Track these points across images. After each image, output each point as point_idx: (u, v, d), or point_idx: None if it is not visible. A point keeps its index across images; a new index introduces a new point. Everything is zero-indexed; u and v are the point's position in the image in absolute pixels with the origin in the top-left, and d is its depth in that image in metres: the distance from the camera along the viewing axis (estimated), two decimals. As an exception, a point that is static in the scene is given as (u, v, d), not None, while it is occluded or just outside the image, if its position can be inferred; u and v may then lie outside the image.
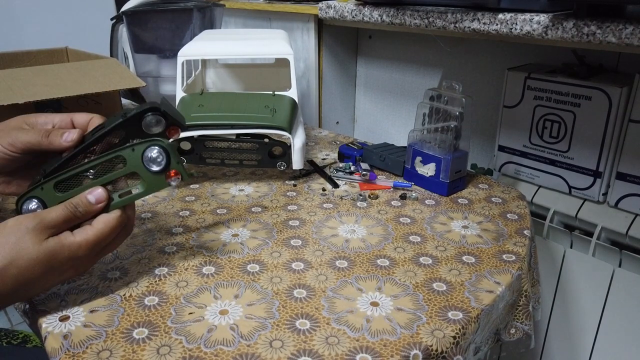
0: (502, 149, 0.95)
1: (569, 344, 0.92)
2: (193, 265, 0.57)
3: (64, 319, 0.48)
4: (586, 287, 0.86)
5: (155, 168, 0.49)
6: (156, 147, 0.49)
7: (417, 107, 0.78)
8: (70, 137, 0.50)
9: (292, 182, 0.81)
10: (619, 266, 0.81)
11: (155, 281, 0.54)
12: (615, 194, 0.82)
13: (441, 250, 0.61)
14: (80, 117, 0.53)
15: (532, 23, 0.74)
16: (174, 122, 0.51)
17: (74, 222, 0.47)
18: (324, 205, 0.73)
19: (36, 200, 0.50)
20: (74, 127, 0.53)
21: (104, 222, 0.47)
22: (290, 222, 0.67)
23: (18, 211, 0.50)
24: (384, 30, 1.19)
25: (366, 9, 0.98)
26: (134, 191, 0.50)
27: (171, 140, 0.51)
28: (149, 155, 0.49)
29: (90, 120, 0.53)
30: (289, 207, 0.72)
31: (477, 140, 1.08)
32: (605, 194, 0.84)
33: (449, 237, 0.64)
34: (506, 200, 0.75)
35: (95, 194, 0.48)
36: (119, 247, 0.55)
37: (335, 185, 0.79)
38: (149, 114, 0.49)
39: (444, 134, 0.75)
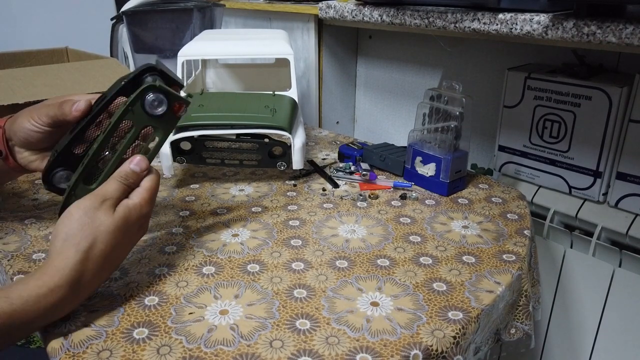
0: (502, 149, 0.95)
1: (569, 344, 0.92)
2: (193, 265, 0.57)
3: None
4: (586, 287, 0.86)
5: (160, 110, 0.50)
6: (150, 92, 0.49)
7: (417, 107, 0.78)
8: (78, 106, 0.54)
9: (292, 182, 0.81)
10: (619, 266, 0.81)
11: (156, 281, 0.54)
12: (616, 194, 0.82)
13: (441, 250, 0.61)
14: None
15: (532, 23, 0.74)
16: (172, 80, 0.51)
17: (128, 192, 0.51)
18: (324, 205, 0.73)
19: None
20: None
21: (149, 179, 0.52)
22: (290, 222, 0.67)
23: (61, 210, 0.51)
24: (384, 30, 1.19)
25: (366, 9, 0.98)
26: (153, 143, 0.52)
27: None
28: (148, 102, 0.49)
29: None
30: (289, 207, 0.72)
31: (477, 140, 1.08)
32: (605, 194, 0.84)
33: (449, 237, 0.64)
34: (506, 200, 0.75)
35: (136, 162, 0.51)
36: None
37: (336, 185, 0.79)
38: (147, 74, 0.50)
39: (444, 134, 0.75)
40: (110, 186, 0.49)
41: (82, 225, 0.46)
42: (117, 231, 0.48)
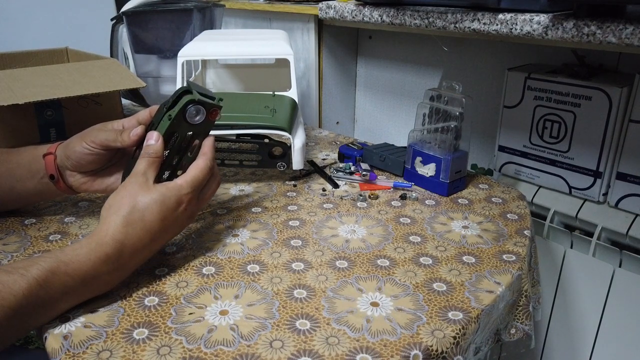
0: (502, 149, 0.95)
1: (569, 344, 0.92)
2: (193, 266, 0.57)
3: (64, 319, 0.48)
4: (586, 287, 0.86)
5: (198, 119, 0.57)
6: (192, 106, 0.56)
7: (417, 107, 0.78)
8: (136, 131, 0.59)
9: (292, 182, 0.81)
10: (619, 266, 0.81)
11: (155, 281, 0.54)
12: (616, 194, 0.82)
13: (441, 251, 0.61)
14: (142, 114, 0.61)
15: (532, 23, 0.74)
16: (212, 106, 0.57)
17: (155, 163, 0.56)
18: (324, 205, 0.73)
19: None
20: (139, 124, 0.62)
21: (195, 167, 0.57)
22: (290, 223, 0.67)
23: None
24: (384, 31, 1.19)
25: (366, 9, 0.98)
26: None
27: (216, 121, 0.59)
28: (189, 114, 0.56)
29: (149, 111, 0.61)
30: (289, 208, 0.72)
31: (477, 141, 1.08)
32: (605, 194, 0.84)
33: (449, 237, 0.64)
34: (506, 201, 0.75)
35: (149, 136, 0.56)
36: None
37: (336, 186, 0.79)
38: (190, 106, 0.56)
39: (444, 134, 0.75)
40: (138, 164, 0.55)
41: (123, 197, 0.52)
42: (153, 202, 0.52)
